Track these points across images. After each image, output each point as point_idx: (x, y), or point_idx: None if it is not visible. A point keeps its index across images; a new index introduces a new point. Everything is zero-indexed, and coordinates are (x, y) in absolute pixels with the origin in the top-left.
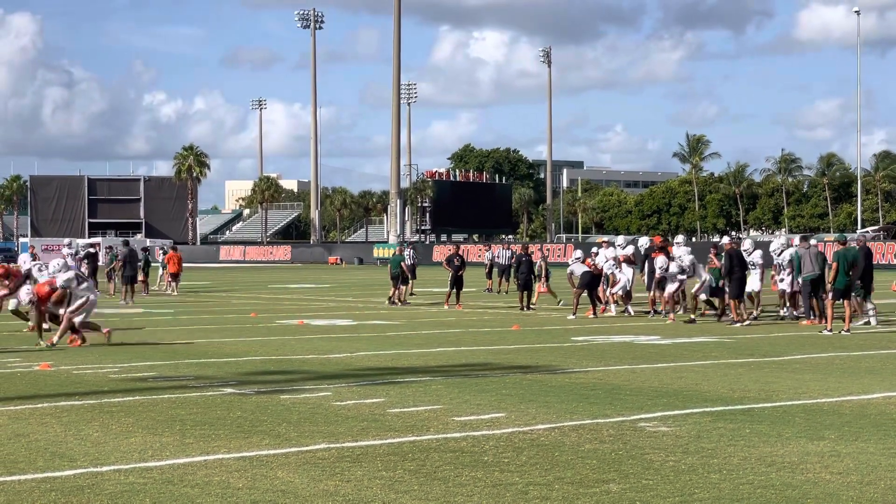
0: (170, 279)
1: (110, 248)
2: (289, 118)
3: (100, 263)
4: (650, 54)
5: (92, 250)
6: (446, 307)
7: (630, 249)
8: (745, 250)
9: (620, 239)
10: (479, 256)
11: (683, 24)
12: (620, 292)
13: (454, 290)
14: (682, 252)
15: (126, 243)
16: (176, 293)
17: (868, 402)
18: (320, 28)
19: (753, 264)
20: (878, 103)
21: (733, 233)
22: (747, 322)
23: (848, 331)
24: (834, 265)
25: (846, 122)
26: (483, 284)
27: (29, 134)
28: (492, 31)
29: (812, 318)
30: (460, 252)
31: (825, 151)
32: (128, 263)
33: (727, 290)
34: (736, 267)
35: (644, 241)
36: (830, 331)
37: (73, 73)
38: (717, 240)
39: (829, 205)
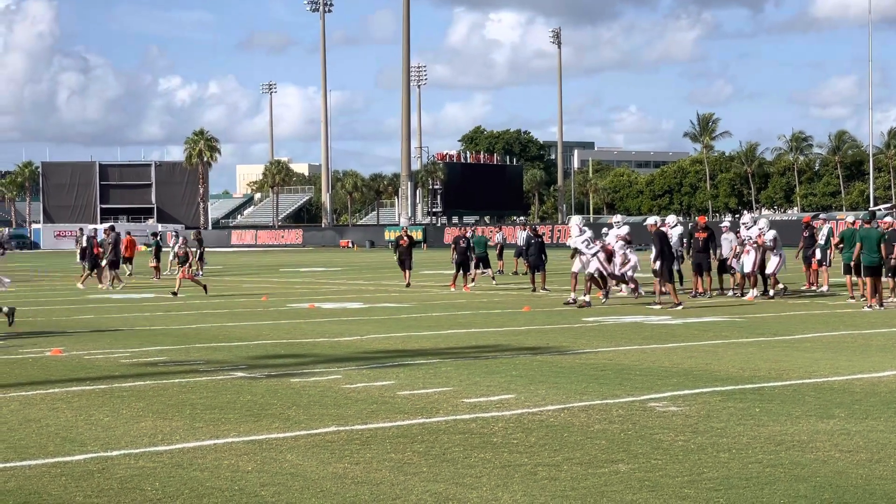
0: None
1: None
2: (303, 101)
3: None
4: (666, 34)
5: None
6: (452, 289)
7: (626, 229)
8: (724, 238)
9: (618, 217)
10: (490, 238)
11: (700, 3)
12: (631, 272)
13: (459, 271)
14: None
15: (112, 228)
16: (119, 281)
17: (879, 381)
18: (329, 11)
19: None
20: (894, 80)
21: (744, 211)
22: (680, 306)
23: (871, 307)
24: (858, 244)
25: (861, 100)
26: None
27: (44, 120)
28: (508, 12)
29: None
30: (467, 234)
31: (839, 129)
32: (113, 249)
33: (658, 270)
34: (665, 248)
35: (654, 220)
36: (882, 305)
37: (89, 60)
38: (730, 219)
39: (841, 183)
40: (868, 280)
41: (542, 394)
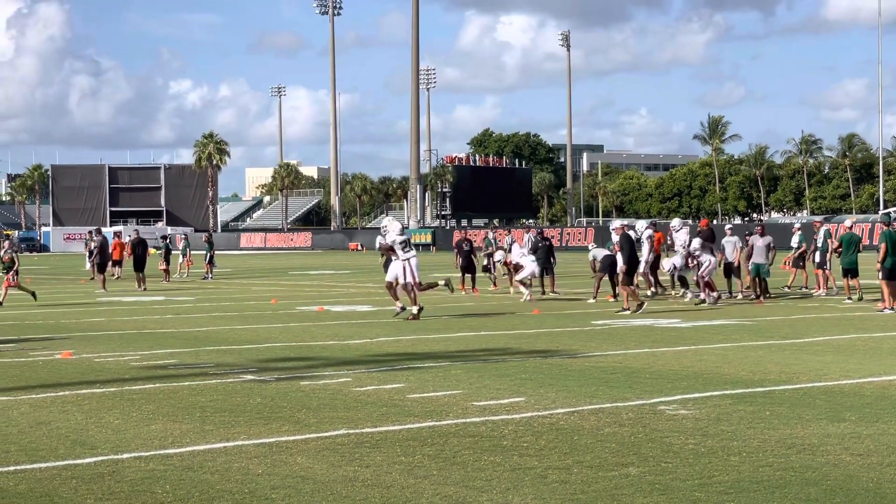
0: (95, 267)
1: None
2: (313, 104)
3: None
4: (678, 36)
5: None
6: (462, 292)
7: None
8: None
9: (617, 222)
10: (500, 241)
11: (712, 5)
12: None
13: (466, 274)
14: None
15: (98, 231)
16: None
17: (889, 384)
18: (338, 14)
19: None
20: None
21: (755, 215)
22: (637, 310)
23: (892, 308)
24: (882, 246)
25: (872, 103)
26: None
27: (54, 123)
28: (519, 14)
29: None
30: (468, 236)
31: (849, 132)
32: (101, 252)
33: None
34: (628, 251)
35: (641, 225)
36: (892, 308)
37: (100, 63)
38: (738, 222)
39: (850, 186)
40: (883, 283)
41: (551, 397)
